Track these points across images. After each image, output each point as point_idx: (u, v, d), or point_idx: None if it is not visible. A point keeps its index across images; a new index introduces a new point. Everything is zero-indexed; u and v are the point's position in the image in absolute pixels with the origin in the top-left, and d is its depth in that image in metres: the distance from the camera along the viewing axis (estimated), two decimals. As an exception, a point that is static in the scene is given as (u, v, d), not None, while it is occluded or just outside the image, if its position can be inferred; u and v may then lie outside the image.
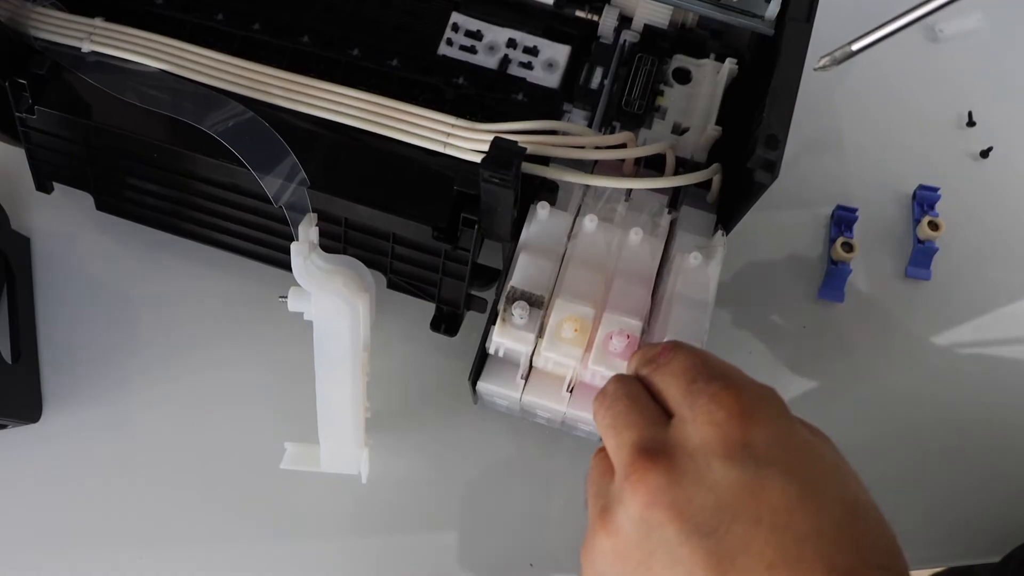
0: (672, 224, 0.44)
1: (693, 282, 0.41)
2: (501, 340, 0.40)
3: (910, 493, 0.49)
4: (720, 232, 0.43)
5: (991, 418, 0.50)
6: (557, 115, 0.45)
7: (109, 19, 0.46)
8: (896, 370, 0.51)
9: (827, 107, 0.56)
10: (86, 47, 0.45)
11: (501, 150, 0.38)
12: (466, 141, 0.43)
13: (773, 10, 0.43)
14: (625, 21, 0.47)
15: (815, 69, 0.40)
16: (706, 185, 0.44)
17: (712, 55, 0.46)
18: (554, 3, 0.47)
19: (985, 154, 0.55)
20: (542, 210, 0.42)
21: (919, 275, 0.53)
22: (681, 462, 0.30)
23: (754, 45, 0.46)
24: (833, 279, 0.52)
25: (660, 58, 0.46)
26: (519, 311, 0.39)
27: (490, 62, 0.46)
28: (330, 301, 0.39)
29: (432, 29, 0.47)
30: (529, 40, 0.46)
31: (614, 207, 0.43)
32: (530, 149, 0.42)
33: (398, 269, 0.46)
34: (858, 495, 0.30)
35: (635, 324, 0.40)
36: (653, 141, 0.44)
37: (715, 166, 0.43)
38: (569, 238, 0.42)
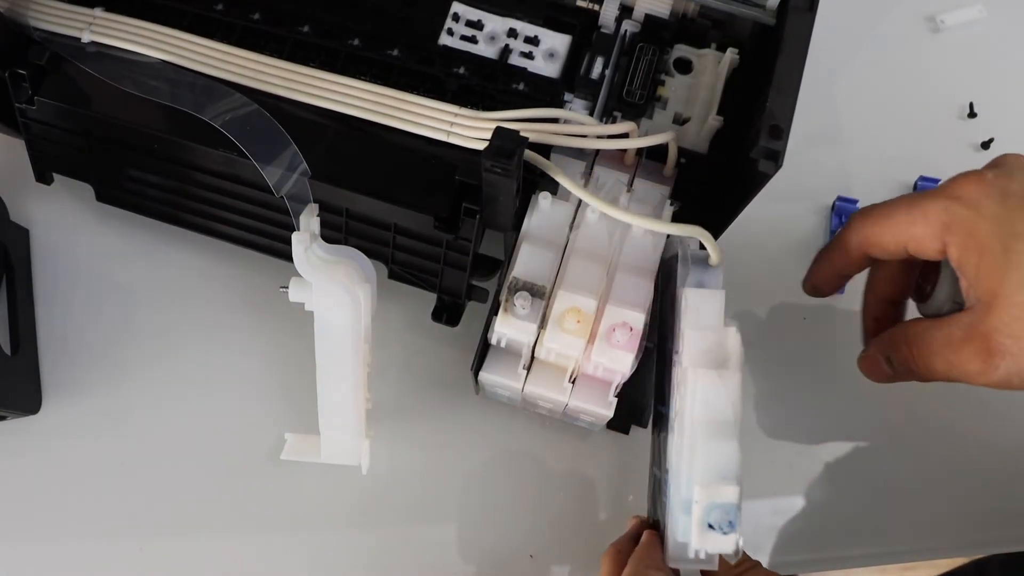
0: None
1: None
2: (503, 330, 0.40)
3: (913, 485, 0.49)
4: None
5: (1003, 397, 0.50)
6: (558, 105, 0.45)
7: (109, 9, 0.46)
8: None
9: (828, 98, 0.56)
10: (86, 37, 0.45)
11: (503, 139, 0.37)
12: (468, 130, 0.43)
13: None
14: (626, 11, 0.47)
15: None
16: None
17: (713, 45, 0.46)
18: (555, -8, 0.47)
19: (986, 145, 0.55)
20: (544, 200, 0.42)
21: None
22: None
23: (756, 35, 0.46)
24: (834, 270, 0.52)
25: (661, 48, 0.46)
26: (521, 301, 0.39)
27: (491, 52, 0.46)
28: (331, 291, 0.39)
29: (433, 19, 0.46)
30: (530, 30, 0.46)
31: (616, 198, 0.43)
32: (532, 138, 0.42)
33: (399, 259, 0.46)
34: None
35: (638, 316, 0.39)
36: (654, 131, 0.44)
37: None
38: (571, 228, 0.42)
